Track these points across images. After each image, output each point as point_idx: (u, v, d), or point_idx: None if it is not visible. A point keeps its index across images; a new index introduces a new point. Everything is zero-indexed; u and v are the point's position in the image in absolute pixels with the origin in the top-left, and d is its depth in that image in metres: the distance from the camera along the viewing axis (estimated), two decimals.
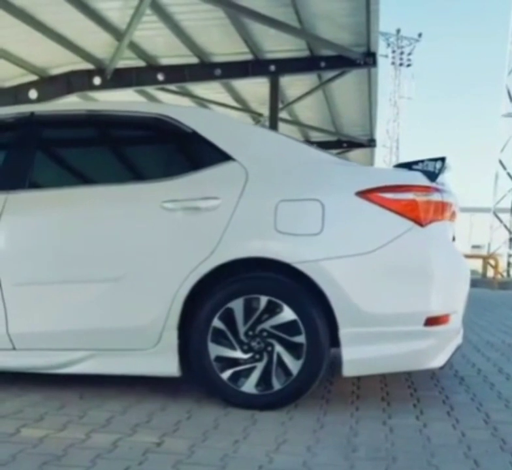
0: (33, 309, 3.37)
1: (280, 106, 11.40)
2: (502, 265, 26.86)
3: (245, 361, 3.15)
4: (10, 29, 8.34)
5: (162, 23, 8.52)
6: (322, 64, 9.83)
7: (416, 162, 3.34)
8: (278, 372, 3.11)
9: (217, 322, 3.17)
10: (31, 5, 7.86)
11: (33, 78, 10.27)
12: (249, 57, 9.88)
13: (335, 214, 3.14)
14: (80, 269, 3.33)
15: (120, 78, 10.04)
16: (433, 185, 3.24)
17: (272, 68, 9.97)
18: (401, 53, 50.15)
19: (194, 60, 10.03)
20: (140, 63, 10.10)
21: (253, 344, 3.14)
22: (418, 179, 3.25)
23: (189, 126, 3.43)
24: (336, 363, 3.19)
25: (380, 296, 3.12)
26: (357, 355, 3.08)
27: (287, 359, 3.11)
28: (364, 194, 3.15)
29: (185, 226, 3.25)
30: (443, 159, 3.31)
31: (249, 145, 3.43)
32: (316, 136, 16.50)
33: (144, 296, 3.24)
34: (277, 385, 3.11)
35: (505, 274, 27.59)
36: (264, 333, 3.14)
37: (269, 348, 3.13)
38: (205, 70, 10.12)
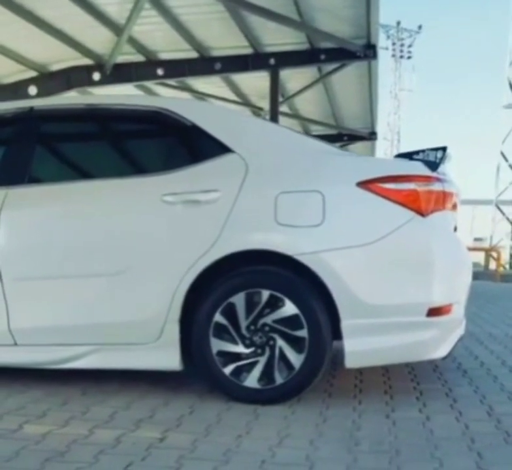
0: (35, 304, 3.36)
1: (280, 99, 11.38)
2: (504, 257, 26.87)
3: (247, 356, 3.15)
4: (9, 25, 8.32)
5: (161, 17, 8.49)
6: (322, 56, 9.80)
7: (417, 152, 3.33)
8: (280, 366, 3.11)
9: (218, 317, 3.16)
10: (29, 1, 7.82)
11: (33, 74, 10.25)
12: (248, 50, 9.85)
13: (336, 205, 3.13)
14: (81, 263, 3.33)
15: (120, 73, 10.01)
16: (434, 174, 3.23)
17: (272, 61, 9.93)
18: (402, 45, 49.98)
19: (193, 54, 9.99)
20: (140, 58, 10.07)
21: (255, 338, 3.14)
22: (419, 169, 3.24)
23: (189, 119, 3.42)
24: (338, 356, 3.19)
25: (382, 287, 3.11)
26: (359, 347, 3.07)
27: (289, 353, 3.10)
28: (364, 184, 3.14)
29: (185, 219, 3.24)
30: (444, 149, 3.29)
31: (248, 137, 3.42)
32: (317, 130, 16.46)
33: (145, 289, 3.24)
34: (279, 379, 3.10)
35: (507, 266, 27.59)
36: (266, 328, 3.13)
37: (271, 343, 3.12)
38: (205, 64, 10.09)
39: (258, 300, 3.14)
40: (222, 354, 3.17)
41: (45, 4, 7.92)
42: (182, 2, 8.12)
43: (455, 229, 3.58)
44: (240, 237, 3.17)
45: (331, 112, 14.62)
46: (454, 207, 3.47)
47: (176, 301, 3.17)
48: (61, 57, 9.83)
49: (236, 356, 3.16)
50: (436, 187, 3.21)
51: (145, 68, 10.18)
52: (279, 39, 9.48)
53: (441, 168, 3.29)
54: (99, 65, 9.90)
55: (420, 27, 50.59)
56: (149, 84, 11.47)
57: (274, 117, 10.77)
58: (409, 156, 3.35)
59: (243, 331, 3.15)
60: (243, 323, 3.15)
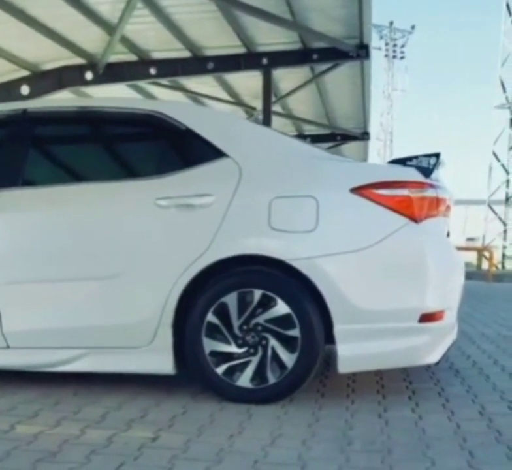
0: (27, 308, 3.35)
1: (273, 99, 11.37)
2: (497, 257, 26.95)
3: (240, 356, 3.15)
4: (1, 25, 8.28)
5: (153, 16, 8.47)
6: (315, 56, 9.79)
7: (410, 158, 3.33)
8: (273, 366, 3.11)
9: (211, 317, 3.16)
10: (21, 0, 7.80)
11: (25, 73, 10.20)
12: (241, 50, 9.84)
13: (329, 211, 3.13)
14: (73, 267, 3.32)
15: (112, 73, 9.98)
16: (427, 181, 3.23)
17: (265, 61, 9.93)
18: (395, 45, 50.14)
19: (186, 54, 9.98)
20: (132, 58, 10.05)
21: (248, 338, 3.14)
22: (413, 175, 3.24)
23: (183, 123, 3.41)
24: (331, 356, 3.19)
25: (374, 292, 3.12)
26: (352, 352, 3.08)
27: (282, 353, 3.10)
28: (358, 190, 3.14)
29: (179, 224, 3.24)
30: (437, 155, 3.31)
31: (242, 141, 3.41)
32: (309, 129, 16.47)
33: (138, 293, 3.23)
34: (272, 379, 3.10)
35: (499, 266, 27.69)
36: (259, 327, 3.13)
37: (263, 342, 3.12)
38: (197, 63, 10.07)
39: (251, 300, 3.14)
40: (214, 354, 3.16)
41: (37, 3, 7.89)
42: (174, 1, 8.11)
43: (448, 234, 3.60)
44: (233, 242, 3.17)
45: (324, 112, 14.63)
46: (447, 212, 3.48)
47: (169, 305, 3.16)
48: (53, 57, 9.80)
49: (229, 356, 3.16)
50: (429, 193, 3.22)
51: (138, 68, 10.16)
52: (272, 39, 9.48)
53: (434, 174, 3.30)
54: (92, 64, 9.87)
55: (413, 27, 50.81)
56: (141, 83, 11.45)
57: (267, 117, 10.77)
58: (402, 162, 3.36)
59: (236, 331, 3.15)
60: (236, 323, 3.15)
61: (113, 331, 3.27)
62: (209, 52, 10.00)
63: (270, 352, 3.11)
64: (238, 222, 3.18)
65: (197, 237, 3.18)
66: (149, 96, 12.45)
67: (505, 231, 31.22)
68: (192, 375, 3.25)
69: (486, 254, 19.76)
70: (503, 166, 30.95)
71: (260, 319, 3.13)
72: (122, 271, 3.24)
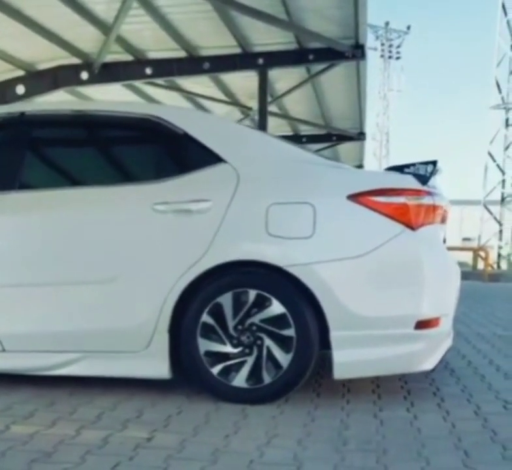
0: (23, 311, 3.35)
1: (269, 99, 11.38)
2: (492, 257, 26.99)
3: (235, 356, 3.14)
4: None
5: (149, 16, 8.48)
6: (311, 57, 9.82)
7: (407, 166, 3.34)
8: (268, 366, 3.11)
9: (206, 317, 3.15)
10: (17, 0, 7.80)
11: (20, 73, 10.20)
12: (237, 50, 9.86)
13: (326, 217, 3.14)
14: (70, 271, 3.31)
15: (108, 73, 9.98)
16: (424, 188, 3.24)
17: (260, 61, 9.95)
18: (390, 46, 50.15)
19: (182, 54, 9.99)
20: (128, 57, 10.06)
21: (243, 338, 3.14)
22: (410, 182, 3.25)
23: (180, 128, 3.40)
24: (326, 357, 3.19)
25: (371, 299, 3.12)
26: (348, 358, 3.08)
27: (277, 353, 3.10)
28: (355, 197, 3.15)
29: (176, 229, 3.23)
30: (434, 162, 3.32)
31: (240, 147, 3.41)
32: (305, 130, 16.49)
33: (135, 298, 3.23)
34: (267, 379, 3.10)
35: (495, 266, 27.74)
36: (254, 327, 3.13)
37: (259, 342, 3.12)
38: (193, 63, 10.09)
39: (246, 300, 3.13)
40: (210, 354, 3.16)
41: (33, 3, 7.90)
42: (170, 1, 8.12)
43: (444, 241, 3.61)
44: (230, 247, 3.17)
45: (320, 112, 14.65)
46: (444, 220, 3.49)
47: (165, 311, 3.16)
48: (48, 56, 9.80)
49: (224, 356, 3.16)
50: (426, 200, 3.22)
51: (134, 68, 10.17)
52: (268, 39, 9.49)
53: (431, 182, 3.31)
54: (87, 64, 9.88)
55: (408, 27, 50.84)
56: (137, 83, 11.45)
57: (263, 117, 10.78)
58: (399, 169, 3.37)
59: (231, 331, 3.15)
60: (231, 323, 3.15)
61: (109, 336, 3.26)
62: (205, 52, 10.01)
63: (265, 352, 3.11)
64: (236, 228, 3.17)
65: (194, 243, 3.17)
66: (145, 96, 12.45)
67: (500, 231, 31.27)
68: (188, 375, 3.25)
69: (482, 254, 19.80)
70: (498, 166, 31.00)
71: (256, 319, 3.13)
72: (119, 276, 3.23)
